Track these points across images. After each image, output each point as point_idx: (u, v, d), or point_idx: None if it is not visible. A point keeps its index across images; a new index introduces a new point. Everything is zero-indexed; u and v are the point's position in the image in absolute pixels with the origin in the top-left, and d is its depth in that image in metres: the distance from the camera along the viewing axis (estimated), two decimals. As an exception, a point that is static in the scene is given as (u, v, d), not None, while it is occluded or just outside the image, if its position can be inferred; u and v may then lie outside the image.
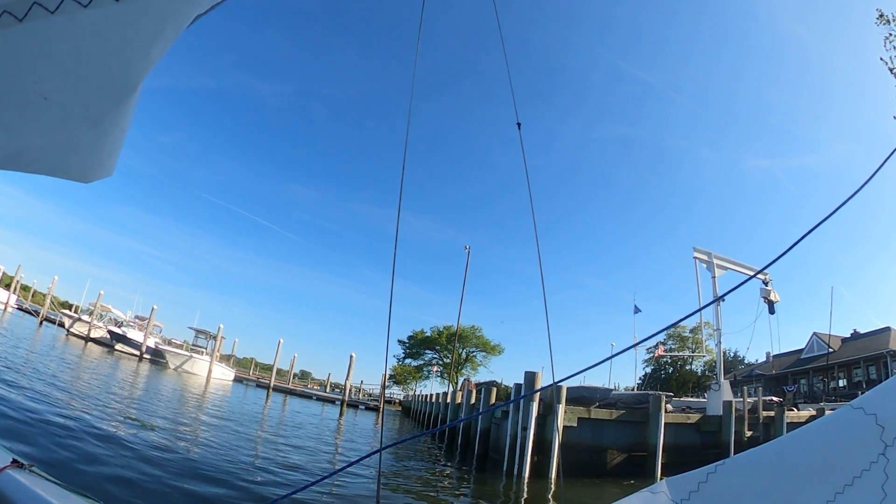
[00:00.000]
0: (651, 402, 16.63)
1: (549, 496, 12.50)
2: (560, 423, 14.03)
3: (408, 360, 56.97)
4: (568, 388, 25.40)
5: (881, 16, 16.17)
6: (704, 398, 22.63)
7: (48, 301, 51.19)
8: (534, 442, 13.68)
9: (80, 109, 1.38)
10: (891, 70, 16.28)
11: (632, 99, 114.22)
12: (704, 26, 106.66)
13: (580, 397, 19.26)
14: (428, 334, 54.47)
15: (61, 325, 48.01)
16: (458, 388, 32.83)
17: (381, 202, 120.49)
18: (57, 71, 1.26)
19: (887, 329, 38.82)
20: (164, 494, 6.37)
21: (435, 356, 54.52)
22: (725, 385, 21.40)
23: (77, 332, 44.61)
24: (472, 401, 20.27)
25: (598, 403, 18.61)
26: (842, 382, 39.48)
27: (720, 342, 22.51)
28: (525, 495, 12.21)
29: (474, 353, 54.90)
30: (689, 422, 17.92)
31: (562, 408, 14.19)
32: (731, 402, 18.70)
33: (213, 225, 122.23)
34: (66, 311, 49.87)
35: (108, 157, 1.63)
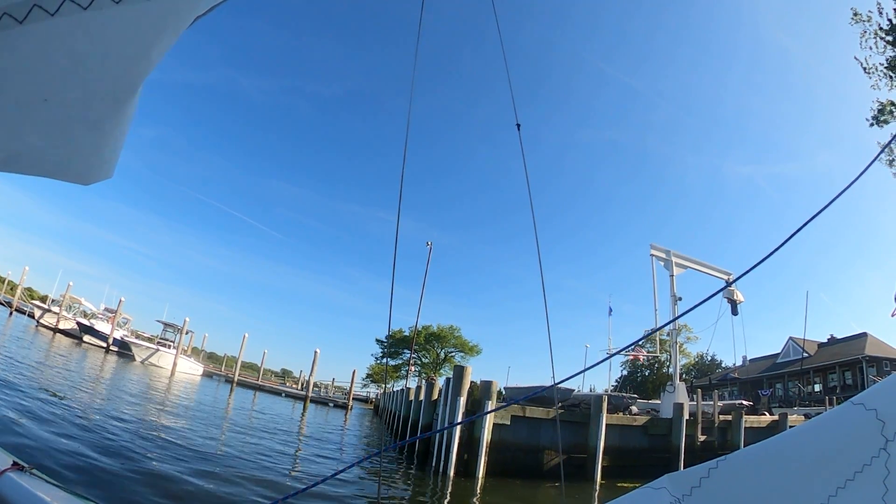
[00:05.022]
0: (592, 403, 16.16)
1: (475, 496, 12.06)
2: (489, 419, 13.53)
3: (385, 360, 56.60)
4: (525, 388, 25.02)
5: (855, 14, 15.90)
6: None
7: (19, 291, 50.74)
8: (461, 439, 13.19)
9: (81, 111, 1.37)
10: (864, 69, 15.99)
11: (616, 102, 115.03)
12: (689, 32, 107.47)
13: (539, 398, 18.82)
14: (406, 334, 54.05)
15: (31, 315, 47.66)
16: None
17: (364, 200, 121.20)
18: (57, 73, 1.25)
19: (864, 335, 38.74)
20: None
21: (414, 356, 54.10)
22: (681, 387, 21.00)
23: (46, 324, 44.27)
24: (421, 396, 19.71)
25: (559, 404, 18.19)
26: (817, 387, 39.25)
27: (676, 342, 22.01)
28: (449, 494, 11.81)
29: (452, 354, 54.49)
30: (635, 424, 17.42)
31: (491, 404, 13.68)
32: (682, 404, 18.20)
33: (196, 220, 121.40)
34: (36, 302, 49.36)
35: (108, 159, 1.62)
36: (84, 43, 1.22)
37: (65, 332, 43.24)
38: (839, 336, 41.78)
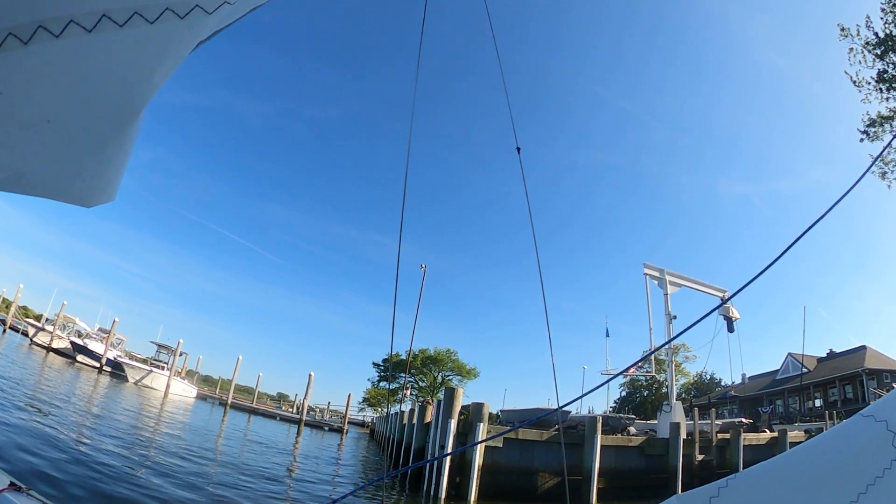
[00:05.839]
0: (586, 424, 15.95)
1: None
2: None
3: (382, 384, 56.14)
4: (523, 411, 24.76)
5: (843, 30, 16.05)
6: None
7: (13, 309, 50.27)
8: (453, 462, 12.95)
9: (83, 133, 1.36)
10: (855, 83, 16.10)
11: (611, 125, 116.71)
12: (682, 54, 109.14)
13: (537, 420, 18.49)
14: (403, 357, 53.69)
15: (25, 334, 47.50)
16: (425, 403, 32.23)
17: (361, 224, 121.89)
18: (60, 94, 1.25)
19: (863, 348, 38.52)
20: None
21: (410, 379, 53.56)
22: (677, 406, 20.74)
23: (40, 342, 44.01)
24: (414, 419, 19.42)
25: (556, 427, 17.95)
26: (818, 402, 38.89)
27: (672, 361, 21.80)
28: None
29: (450, 377, 54.00)
30: (630, 444, 17.17)
31: (483, 427, 13.49)
32: (678, 423, 17.95)
33: (192, 242, 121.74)
34: (31, 321, 49.06)
35: (111, 181, 1.62)
36: (88, 65, 1.22)
37: (58, 352, 42.95)
38: (838, 350, 41.64)
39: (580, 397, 1.97)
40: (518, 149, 3.76)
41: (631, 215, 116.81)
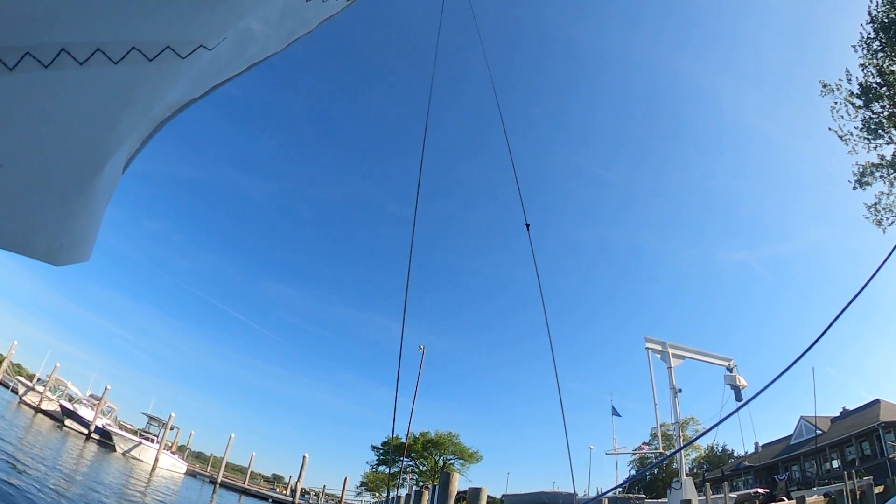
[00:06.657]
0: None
1: None
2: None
3: (382, 468, 53.74)
4: (526, 495, 23.65)
5: (825, 86, 16.50)
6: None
7: (5, 365, 48.69)
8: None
9: (42, 182, 1.25)
10: (840, 137, 16.44)
11: (612, 204, 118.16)
12: (677, 131, 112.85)
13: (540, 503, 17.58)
14: (403, 440, 51.73)
15: (15, 391, 46.26)
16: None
17: (362, 306, 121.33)
18: (12, 135, 1.13)
19: (876, 402, 37.34)
20: None
21: (410, 463, 51.36)
22: (688, 482, 19.84)
23: (29, 402, 42.83)
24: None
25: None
26: (835, 463, 37.09)
27: (680, 436, 21.01)
28: None
29: (451, 461, 51.74)
30: (642, 525, 16.11)
31: (482, 514, 12.58)
32: (689, 500, 16.97)
33: (192, 317, 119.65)
34: (22, 379, 47.71)
35: (80, 240, 1.50)
36: (44, 105, 1.11)
37: (47, 413, 41.61)
38: (851, 407, 40.19)
39: (602, 495, 1.66)
40: (527, 225, 3.78)
41: (632, 290, 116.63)
